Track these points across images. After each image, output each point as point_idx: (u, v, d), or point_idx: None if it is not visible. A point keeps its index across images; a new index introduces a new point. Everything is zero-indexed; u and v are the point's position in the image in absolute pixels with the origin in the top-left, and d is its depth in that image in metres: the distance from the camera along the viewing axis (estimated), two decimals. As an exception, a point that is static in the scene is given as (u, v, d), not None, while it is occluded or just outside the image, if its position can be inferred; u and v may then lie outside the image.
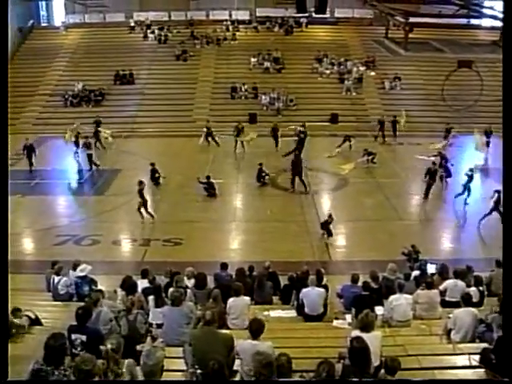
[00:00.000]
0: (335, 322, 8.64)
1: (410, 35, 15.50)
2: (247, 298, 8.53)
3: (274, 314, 9.22)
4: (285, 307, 9.68)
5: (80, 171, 21.99)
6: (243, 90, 30.37)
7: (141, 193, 16.30)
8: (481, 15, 17.08)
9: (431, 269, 10.89)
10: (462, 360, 6.85)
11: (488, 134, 23.20)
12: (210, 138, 24.40)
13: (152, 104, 29.70)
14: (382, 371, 5.71)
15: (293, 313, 9.38)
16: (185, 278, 9.37)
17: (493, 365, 6.23)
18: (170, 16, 36.30)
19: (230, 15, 36.34)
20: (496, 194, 14.91)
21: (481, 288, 9.45)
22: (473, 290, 9.13)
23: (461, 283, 9.27)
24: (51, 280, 10.20)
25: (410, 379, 5.85)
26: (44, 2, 37.46)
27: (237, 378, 6.09)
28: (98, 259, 13.41)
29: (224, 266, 10.74)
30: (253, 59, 32.59)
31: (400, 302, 8.37)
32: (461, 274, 9.47)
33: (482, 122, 24.59)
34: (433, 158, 19.41)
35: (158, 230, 16.12)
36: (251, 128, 25.70)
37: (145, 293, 8.87)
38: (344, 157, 22.51)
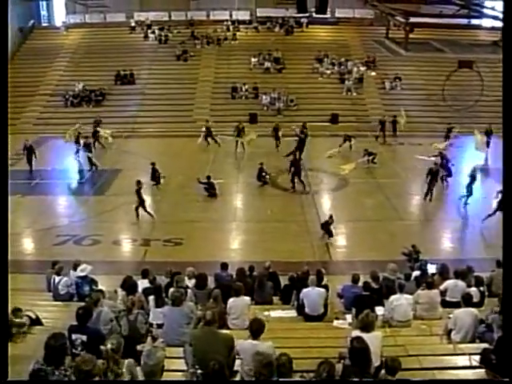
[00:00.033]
0: (335, 322, 8.64)
1: (411, 35, 15.46)
2: (247, 298, 8.53)
3: (274, 314, 9.21)
4: (285, 307, 9.68)
5: (80, 171, 21.97)
6: (244, 90, 30.36)
7: (138, 193, 16.33)
8: (481, 15, 17.05)
9: (432, 269, 10.89)
10: (462, 360, 6.85)
11: (488, 133, 23.19)
12: (209, 139, 24.32)
13: (152, 104, 29.71)
14: (383, 371, 5.71)
15: (293, 313, 9.37)
16: (185, 278, 9.36)
17: (493, 365, 6.23)
18: (170, 16, 36.31)
19: (231, 15, 36.34)
20: (500, 195, 14.82)
21: (481, 288, 9.44)
22: (473, 290, 9.12)
23: (461, 283, 9.26)
24: (52, 280, 10.21)
25: (410, 379, 5.84)
26: (45, 2, 37.44)
27: (237, 378, 6.10)
28: (98, 259, 13.42)
29: (224, 266, 10.74)
30: (253, 59, 32.58)
31: (400, 302, 8.36)
32: (461, 274, 9.46)
33: (483, 122, 24.56)
34: (433, 158, 19.40)
35: (159, 230, 16.13)
36: (252, 128, 25.68)
37: (145, 293, 8.86)
38: (344, 157, 22.49)
